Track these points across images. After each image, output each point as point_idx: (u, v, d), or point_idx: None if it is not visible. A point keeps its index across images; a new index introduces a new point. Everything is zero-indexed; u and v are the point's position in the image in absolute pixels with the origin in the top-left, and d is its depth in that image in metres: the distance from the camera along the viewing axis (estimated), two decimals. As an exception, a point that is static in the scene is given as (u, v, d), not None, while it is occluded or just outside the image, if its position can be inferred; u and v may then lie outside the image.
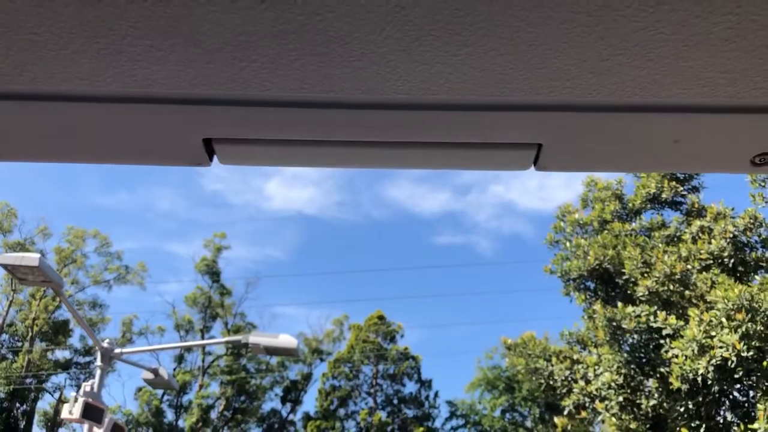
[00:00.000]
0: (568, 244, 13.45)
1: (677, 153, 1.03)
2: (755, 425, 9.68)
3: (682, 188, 13.46)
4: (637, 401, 11.38)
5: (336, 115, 0.95)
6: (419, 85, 0.89)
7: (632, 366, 11.53)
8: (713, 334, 10.01)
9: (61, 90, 0.91)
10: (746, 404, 10.69)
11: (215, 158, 1.04)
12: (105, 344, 9.72)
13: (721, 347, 9.83)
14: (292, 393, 35.89)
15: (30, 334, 30.80)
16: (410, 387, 36.03)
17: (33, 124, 0.98)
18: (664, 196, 13.59)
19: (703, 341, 10.04)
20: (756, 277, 11.32)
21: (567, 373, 12.61)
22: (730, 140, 1.00)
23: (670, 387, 10.69)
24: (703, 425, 10.37)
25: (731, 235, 11.59)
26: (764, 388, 10.13)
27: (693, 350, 10.12)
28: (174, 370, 33.52)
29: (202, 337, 33.83)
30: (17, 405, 29.71)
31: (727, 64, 0.85)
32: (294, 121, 0.96)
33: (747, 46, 0.82)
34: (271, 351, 10.11)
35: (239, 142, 1.01)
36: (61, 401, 29.75)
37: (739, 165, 1.05)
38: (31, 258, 8.04)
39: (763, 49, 0.83)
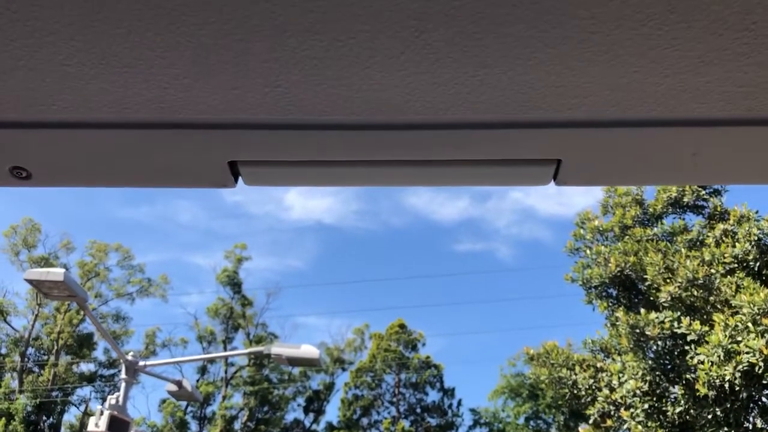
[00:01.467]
0: (588, 251, 13.34)
1: (696, 166, 1.04)
2: (785, 432, 9.52)
3: (704, 192, 13.31)
4: (663, 408, 11.23)
5: (358, 136, 0.97)
6: (438, 105, 0.91)
7: (657, 373, 11.39)
8: (739, 339, 9.86)
9: (92, 117, 0.94)
10: (775, 410, 10.51)
11: (240, 180, 1.07)
12: (129, 357, 9.81)
13: (747, 352, 9.68)
14: (315, 403, 35.92)
15: (55, 347, 31.17)
16: (433, 395, 35.93)
17: (66, 151, 1.01)
18: (685, 200, 13.44)
19: (729, 346, 9.89)
20: (782, 280, 11.14)
21: (591, 381, 12.48)
22: (750, 152, 1.00)
23: (697, 393, 10.54)
24: (732, 432, 10.21)
25: (756, 238, 11.42)
26: (793, 393, 9.96)
27: (719, 356, 9.97)
28: (197, 381, 33.72)
29: (225, 348, 34.00)
30: (44, 418, 30.04)
31: (744, 78, 0.86)
32: (317, 143, 0.98)
33: (763, 61, 0.83)
34: (294, 362, 10.14)
35: (264, 164, 1.03)
36: (86, 414, 30.04)
37: (759, 177, 1.06)
38: (56, 273, 8.16)
39: None
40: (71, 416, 32.12)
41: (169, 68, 0.85)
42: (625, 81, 0.87)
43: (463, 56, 0.83)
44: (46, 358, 31.40)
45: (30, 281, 8.25)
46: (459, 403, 36.13)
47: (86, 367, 32.74)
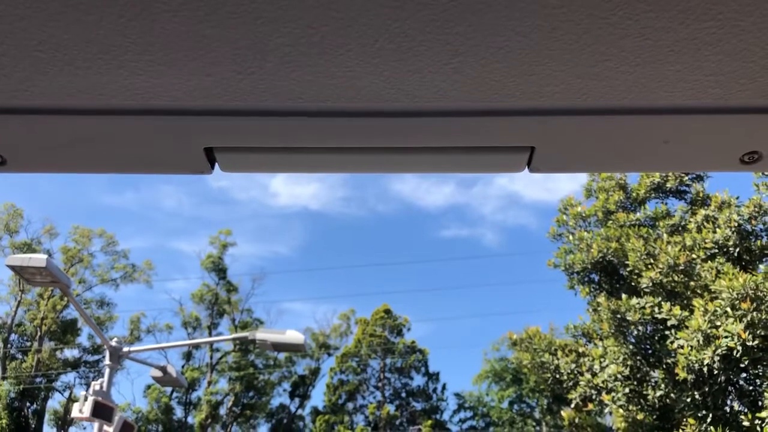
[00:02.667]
0: (571, 237, 13.46)
1: (667, 153, 1.05)
2: (763, 414, 9.69)
3: (686, 177, 13.44)
4: (644, 392, 11.40)
5: (332, 123, 0.98)
6: (413, 93, 0.92)
7: (638, 357, 11.55)
8: (718, 323, 10.00)
9: (66, 104, 0.94)
10: (753, 393, 10.70)
11: (216, 166, 1.07)
12: (113, 343, 9.79)
13: (726, 337, 9.83)
14: (301, 388, 36.04)
15: (39, 333, 30.98)
16: (418, 380, 36.18)
17: (40, 137, 1.01)
18: (668, 185, 13.57)
19: (708, 331, 10.04)
20: (761, 265, 11.30)
21: (573, 366, 12.63)
22: (719, 140, 1.02)
23: (677, 377, 10.71)
24: (710, 415, 10.38)
25: (736, 224, 11.57)
26: (771, 376, 10.14)
27: (698, 340, 10.12)
28: (182, 367, 33.68)
29: (210, 334, 33.97)
30: (28, 404, 29.92)
31: (713, 67, 0.88)
32: (292, 130, 0.99)
33: (731, 50, 0.85)
34: (279, 347, 10.18)
35: (239, 151, 1.04)
36: (71, 400, 29.94)
37: (728, 163, 1.08)
38: (39, 259, 8.10)
39: (746, 52, 0.85)
40: (55, 402, 32.05)
41: (142, 54, 0.85)
42: (596, 70, 0.88)
43: (437, 44, 0.84)
44: (29, 344, 31.21)
45: (12, 267, 8.18)
46: (443, 388, 36.43)
47: (70, 353, 32.61)
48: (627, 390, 11.40)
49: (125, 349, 10.04)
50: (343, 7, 0.79)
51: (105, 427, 8.85)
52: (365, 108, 0.95)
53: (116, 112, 0.96)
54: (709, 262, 11.31)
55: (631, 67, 0.88)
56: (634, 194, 13.84)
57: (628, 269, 12.29)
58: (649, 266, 11.68)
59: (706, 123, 0.99)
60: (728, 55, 0.85)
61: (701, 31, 0.82)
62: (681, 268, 11.27)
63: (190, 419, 33.51)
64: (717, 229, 11.66)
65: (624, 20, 0.81)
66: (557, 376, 12.87)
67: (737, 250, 11.41)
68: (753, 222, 11.62)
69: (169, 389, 32.45)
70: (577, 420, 12.69)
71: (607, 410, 11.94)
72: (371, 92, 0.92)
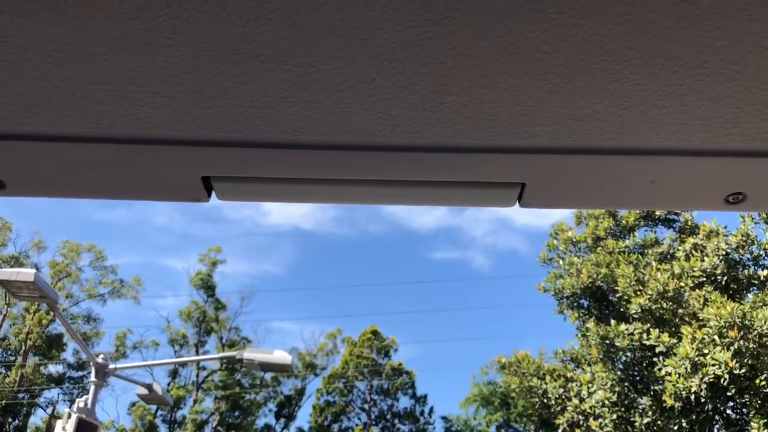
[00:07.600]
0: (561, 262, 13.51)
1: (653, 192, 1.08)
2: (749, 443, 9.70)
3: (675, 206, 13.54)
4: (631, 419, 11.38)
5: (329, 156, 1.00)
6: (408, 129, 0.94)
7: (626, 384, 11.54)
8: (706, 351, 10.04)
9: (68, 131, 0.96)
10: (740, 422, 10.70)
11: (213, 194, 1.09)
12: (99, 359, 9.70)
13: (713, 365, 9.86)
14: (286, 408, 35.69)
15: (23, 348, 30.60)
16: (405, 402, 35.86)
17: (41, 163, 1.03)
18: (657, 213, 13.67)
19: (696, 359, 10.07)
20: (748, 294, 11.37)
21: (561, 391, 12.60)
22: (704, 181, 1.05)
23: (664, 405, 10.70)
24: (697, 443, 10.38)
25: (724, 253, 11.66)
26: (757, 405, 10.15)
27: (686, 368, 10.15)
28: (168, 384, 33.30)
29: (197, 352, 33.67)
30: (9, 420, 29.47)
31: (698, 111, 0.91)
32: (289, 162, 1.01)
33: (716, 96, 0.88)
34: (266, 367, 10.13)
35: (236, 180, 1.06)
36: (54, 416, 29.53)
37: (713, 203, 1.10)
38: (27, 273, 8.05)
39: (730, 99, 0.88)
40: (38, 419, 31.58)
41: (144, 86, 0.87)
42: (586, 111, 0.91)
43: (431, 84, 0.87)
44: (13, 358, 30.82)
45: (-1, 281, 8.12)
46: (431, 411, 36.14)
47: (54, 369, 32.21)
48: (614, 416, 11.37)
49: (111, 366, 9.95)
50: (343, 48, 0.81)
51: (88, 446, 8.74)
52: (361, 142, 0.98)
53: (116, 141, 0.98)
54: (698, 290, 11.37)
55: (620, 110, 0.91)
56: (623, 222, 13.93)
57: (617, 295, 12.33)
58: (638, 293, 11.73)
59: (692, 164, 1.01)
60: (714, 100, 0.89)
61: (688, 78, 0.85)
62: (670, 295, 11.32)
63: (174, 438, 33.09)
64: (705, 258, 11.74)
65: (613, 65, 0.84)
66: (545, 400, 12.83)
67: (725, 278, 11.48)
68: (740, 251, 11.71)
69: (153, 407, 32.08)
70: (564, 446, 12.63)
71: (594, 437, 11.90)
72: (367, 127, 0.94)
